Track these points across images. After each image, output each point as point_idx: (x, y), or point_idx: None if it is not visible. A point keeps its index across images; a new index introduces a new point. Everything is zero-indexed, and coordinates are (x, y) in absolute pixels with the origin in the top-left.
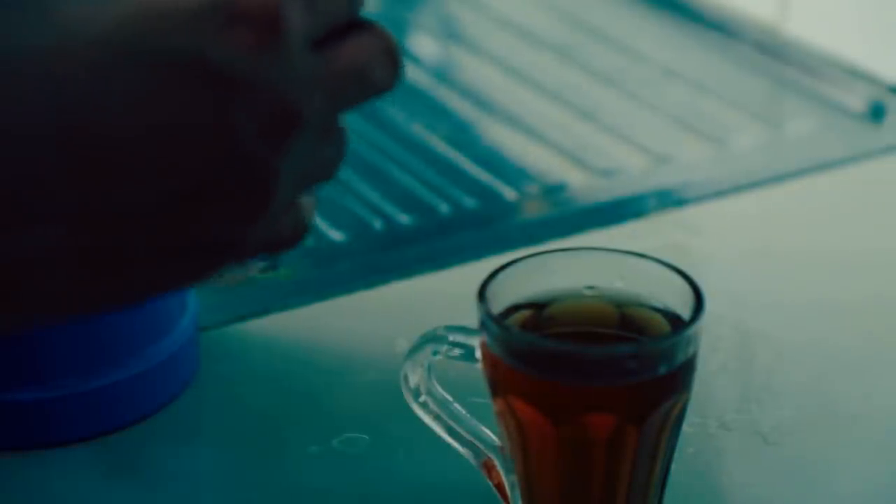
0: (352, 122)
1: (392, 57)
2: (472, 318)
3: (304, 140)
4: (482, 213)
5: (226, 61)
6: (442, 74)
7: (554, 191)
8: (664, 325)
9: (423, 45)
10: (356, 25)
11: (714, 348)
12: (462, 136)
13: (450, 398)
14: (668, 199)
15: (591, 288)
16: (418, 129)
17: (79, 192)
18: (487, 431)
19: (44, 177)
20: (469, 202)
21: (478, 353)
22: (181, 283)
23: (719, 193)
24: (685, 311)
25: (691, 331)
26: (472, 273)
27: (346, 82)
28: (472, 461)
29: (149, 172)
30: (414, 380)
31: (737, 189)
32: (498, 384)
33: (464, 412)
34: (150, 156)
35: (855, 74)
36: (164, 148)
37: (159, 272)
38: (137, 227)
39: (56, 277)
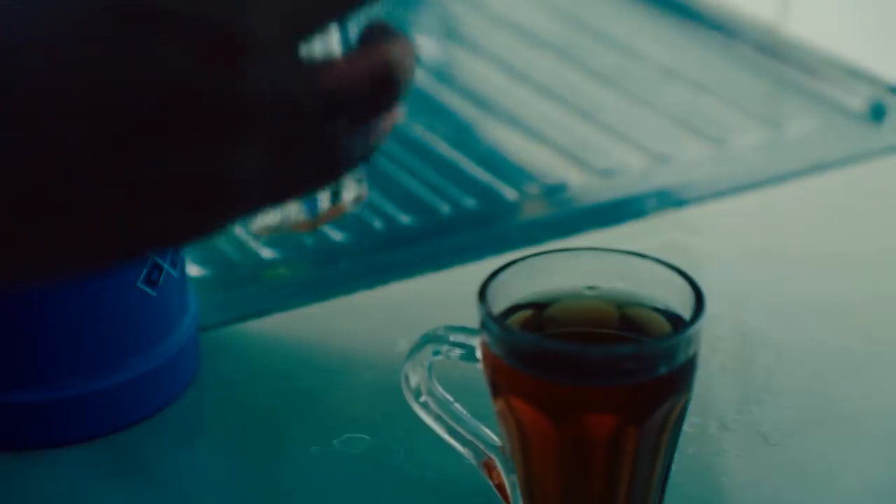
0: None
1: None
2: (472, 319)
3: (271, 67)
4: (482, 214)
5: None
6: (442, 74)
7: (554, 191)
8: (665, 326)
9: (423, 45)
10: None
11: (714, 349)
12: (462, 136)
13: (450, 398)
14: (668, 199)
15: (591, 288)
16: (418, 129)
17: (11, 137)
18: (488, 431)
19: None
20: (469, 202)
21: (478, 353)
22: (194, 231)
23: (719, 193)
24: (686, 312)
25: (692, 331)
26: (472, 273)
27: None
28: (473, 461)
29: (83, 112)
30: (414, 380)
31: (737, 189)
32: (498, 384)
33: (464, 412)
34: (81, 95)
35: (855, 74)
36: (95, 86)
37: (148, 221)
38: (84, 170)
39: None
